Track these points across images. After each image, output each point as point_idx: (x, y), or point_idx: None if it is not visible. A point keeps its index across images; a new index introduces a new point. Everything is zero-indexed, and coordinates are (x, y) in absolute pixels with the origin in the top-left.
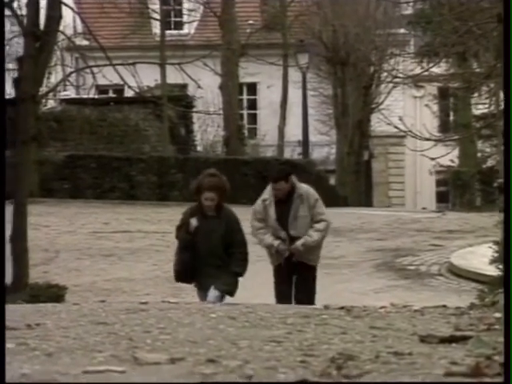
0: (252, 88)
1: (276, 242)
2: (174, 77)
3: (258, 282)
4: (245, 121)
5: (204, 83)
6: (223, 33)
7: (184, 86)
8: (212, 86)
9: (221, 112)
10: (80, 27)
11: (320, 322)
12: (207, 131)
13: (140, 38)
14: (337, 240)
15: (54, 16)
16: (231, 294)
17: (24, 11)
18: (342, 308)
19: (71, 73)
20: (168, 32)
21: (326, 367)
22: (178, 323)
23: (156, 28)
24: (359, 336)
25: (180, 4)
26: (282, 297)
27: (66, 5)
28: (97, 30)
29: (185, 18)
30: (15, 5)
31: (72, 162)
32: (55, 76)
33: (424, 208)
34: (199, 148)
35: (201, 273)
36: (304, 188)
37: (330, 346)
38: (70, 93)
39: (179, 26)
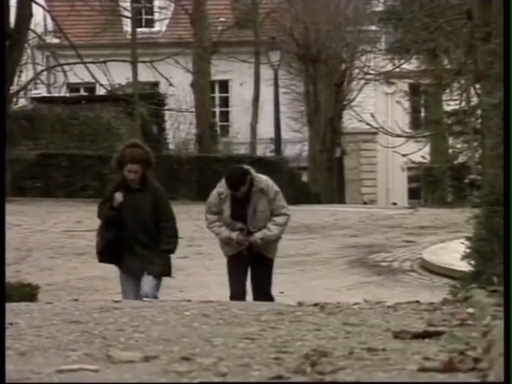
0: (224, 85)
1: (234, 234)
2: (145, 75)
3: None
4: (217, 118)
5: (176, 81)
6: (195, 30)
7: (155, 84)
8: (184, 84)
9: (193, 110)
10: (51, 25)
11: (294, 318)
12: (179, 129)
13: (111, 35)
14: (310, 237)
15: (25, 14)
16: (168, 274)
17: None
18: (315, 305)
19: (42, 71)
20: (139, 30)
21: (300, 364)
22: (152, 321)
23: (127, 26)
24: (333, 332)
25: (151, 2)
26: (236, 287)
27: (36, 3)
28: (67, 28)
29: (156, 16)
30: None
31: (43, 160)
32: (26, 74)
33: (394, 203)
34: (171, 146)
35: (128, 252)
36: (263, 181)
37: (303, 342)
38: (41, 91)
39: (150, 23)
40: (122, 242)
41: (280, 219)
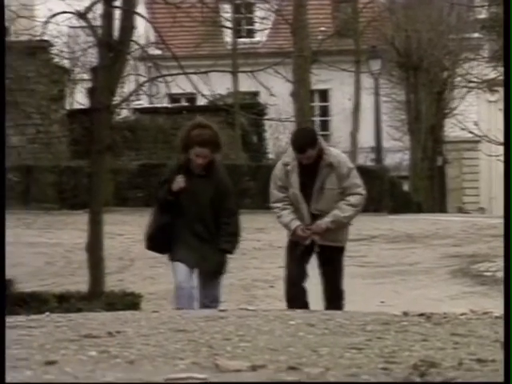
0: (324, 95)
1: (294, 224)
2: (245, 84)
3: None
4: (317, 128)
5: (276, 90)
6: (295, 40)
7: (256, 94)
8: (284, 94)
9: (293, 119)
10: (153, 37)
11: (400, 328)
12: (279, 138)
13: (212, 46)
14: (412, 246)
15: (128, 26)
16: (221, 273)
17: (98, 22)
18: (421, 315)
19: (145, 82)
20: (240, 40)
21: (409, 374)
22: (258, 330)
23: (228, 36)
24: (440, 343)
25: (252, 12)
26: (292, 283)
27: (139, 15)
28: (169, 39)
29: (256, 26)
30: (90, 16)
31: (145, 170)
32: (128, 85)
33: (481, 208)
34: (271, 155)
35: (182, 243)
36: (334, 154)
37: (411, 352)
38: (143, 102)
39: (251, 34)
40: (175, 231)
41: (354, 199)
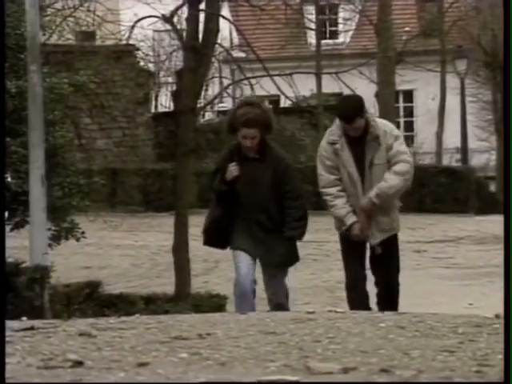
0: (408, 95)
1: (350, 220)
2: (329, 86)
3: (419, 290)
4: (401, 129)
5: (360, 92)
6: (379, 40)
7: (339, 95)
8: (368, 95)
9: None
10: (237, 39)
11: (492, 331)
12: None
13: (296, 48)
14: (499, 247)
15: (212, 29)
16: (291, 263)
17: (183, 25)
18: None
19: (229, 85)
20: (323, 41)
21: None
22: (347, 333)
23: (311, 38)
24: None
25: (336, 13)
26: (354, 279)
27: (224, 17)
28: (253, 41)
29: (340, 27)
30: (175, 19)
31: None
32: (212, 88)
33: None
34: None
35: (244, 233)
36: (380, 126)
37: None
38: (227, 104)
39: (334, 35)
40: (232, 222)
41: (399, 166)
